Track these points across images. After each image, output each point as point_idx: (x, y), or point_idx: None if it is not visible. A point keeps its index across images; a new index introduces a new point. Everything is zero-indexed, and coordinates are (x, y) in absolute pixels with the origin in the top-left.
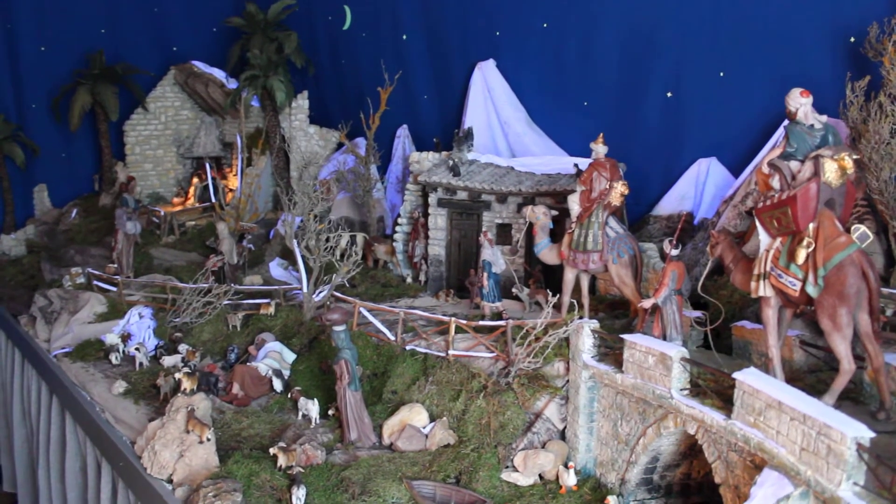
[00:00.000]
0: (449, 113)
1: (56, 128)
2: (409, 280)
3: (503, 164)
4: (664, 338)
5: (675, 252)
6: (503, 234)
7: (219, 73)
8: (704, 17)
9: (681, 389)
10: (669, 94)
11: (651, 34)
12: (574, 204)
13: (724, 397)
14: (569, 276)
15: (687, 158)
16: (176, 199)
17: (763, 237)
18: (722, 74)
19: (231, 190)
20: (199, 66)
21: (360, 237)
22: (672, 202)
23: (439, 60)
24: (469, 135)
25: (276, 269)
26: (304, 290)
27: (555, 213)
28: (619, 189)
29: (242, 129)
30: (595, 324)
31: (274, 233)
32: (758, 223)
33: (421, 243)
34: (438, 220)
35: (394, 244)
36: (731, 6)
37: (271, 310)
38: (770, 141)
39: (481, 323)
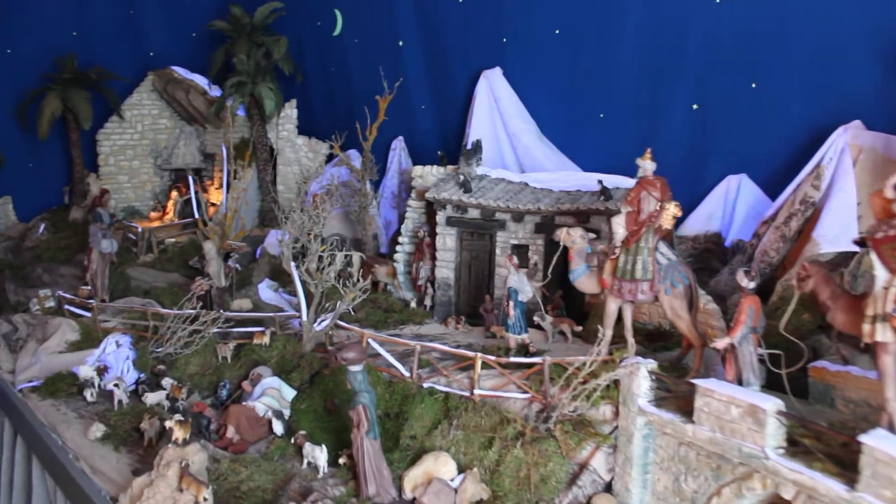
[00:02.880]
0: (449, 124)
1: (23, 136)
2: (412, 305)
3: (516, 180)
4: (739, 382)
5: (751, 284)
6: (518, 255)
7: (201, 80)
8: (735, 22)
9: (776, 448)
10: (695, 107)
11: (676, 41)
12: (619, 227)
13: (835, 460)
14: (612, 307)
15: (714, 175)
16: (153, 214)
17: (881, 272)
18: (754, 85)
19: (213, 204)
20: (180, 71)
21: (356, 257)
22: (699, 221)
23: (438, 68)
24: (478, 148)
25: (265, 291)
26: (304, 318)
27: (592, 236)
28: (672, 211)
29: (229, 139)
30: (652, 364)
31: (261, 251)
32: (874, 256)
33: (426, 265)
34: (447, 241)
35: (394, 265)
36: (765, 11)
37: (266, 339)
38: (816, 156)
39: (514, 360)
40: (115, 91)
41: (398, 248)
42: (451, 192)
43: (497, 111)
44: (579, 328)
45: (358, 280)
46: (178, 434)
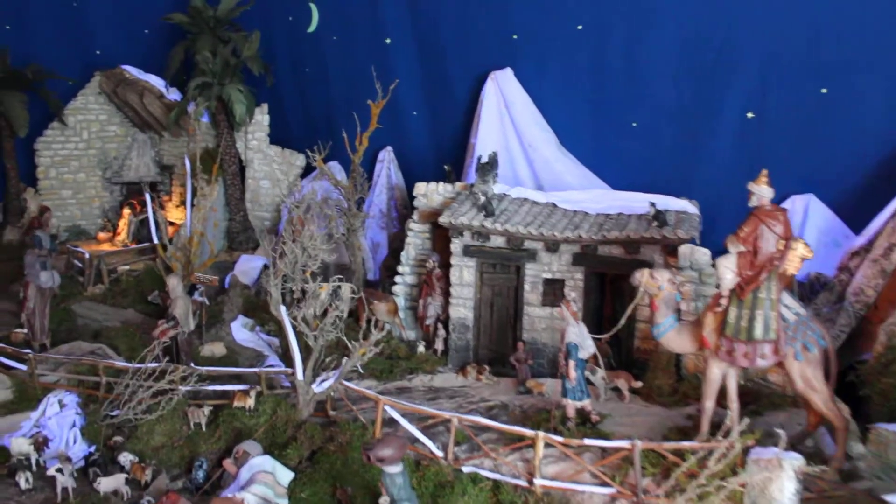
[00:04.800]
0: (446, 133)
1: None
2: (420, 349)
3: (541, 200)
4: None
5: None
6: (551, 292)
7: (156, 81)
8: (801, 12)
9: None
10: (750, 115)
11: (727, 35)
12: (728, 271)
13: None
14: (715, 372)
15: (775, 195)
16: (102, 234)
17: None
18: (825, 90)
19: (172, 224)
20: (132, 71)
21: (345, 288)
22: None
23: (434, 69)
24: (494, 162)
25: (240, 331)
26: (299, 377)
27: (681, 279)
28: (800, 251)
29: (194, 150)
30: (799, 460)
31: (231, 280)
32: None
33: (436, 301)
34: (465, 274)
35: (395, 300)
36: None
37: (250, 402)
38: None
39: (591, 442)
40: (56, 93)
41: (398, 279)
42: (471, 217)
43: (509, 118)
44: (638, 384)
45: (368, 328)
46: None
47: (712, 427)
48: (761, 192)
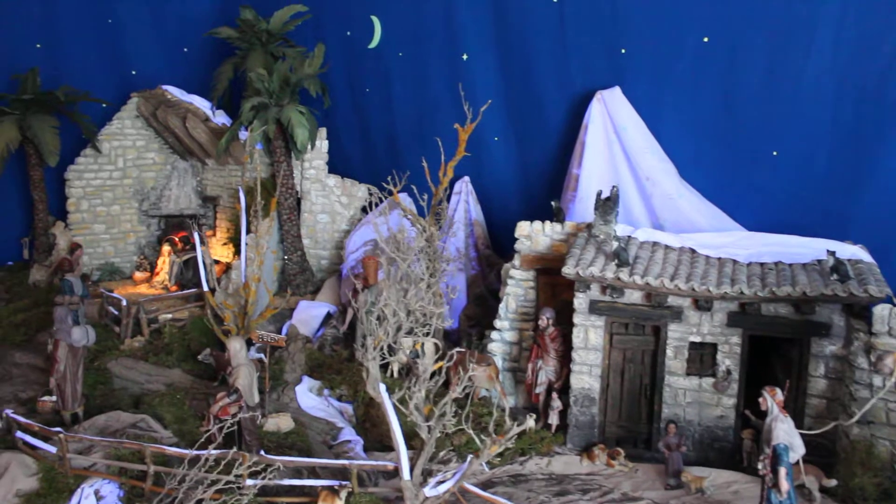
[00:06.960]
0: (534, 161)
1: None
2: (530, 422)
3: (675, 245)
4: None
5: None
6: (698, 358)
7: (201, 103)
8: None
9: None
10: None
11: None
12: None
13: None
14: None
15: None
16: (138, 275)
17: None
18: None
19: (217, 262)
20: (174, 92)
21: (429, 345)
22: None
23: (520, 88)
24: (616, 198)
25: (306, 396)
26: (406, 477)
27: None
28: None
29: (257, 181)
30: None
31: (289, 331)
32: None
33: (548, 366)
34: (591, 335)
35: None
36: None
37: None
38: None
39: None
40: (89, 117)
41: (495, 335)
42: (601, 267)
43: (619, 145)
44: (831, 482)
45: (505, 422)
46: None
47: None
48: None
